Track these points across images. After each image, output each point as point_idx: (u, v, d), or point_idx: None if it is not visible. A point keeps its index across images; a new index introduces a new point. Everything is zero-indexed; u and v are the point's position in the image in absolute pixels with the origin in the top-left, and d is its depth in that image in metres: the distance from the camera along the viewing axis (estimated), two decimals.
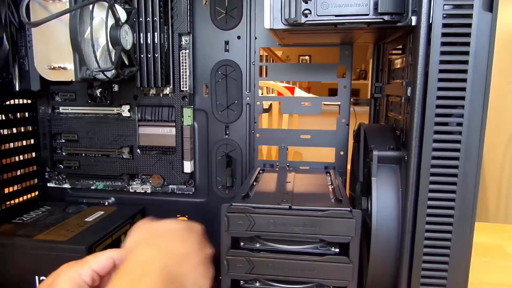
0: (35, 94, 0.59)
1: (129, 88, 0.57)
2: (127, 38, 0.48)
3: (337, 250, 0.39)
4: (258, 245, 0.40)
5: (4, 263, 0.46)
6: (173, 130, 0.58)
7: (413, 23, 0.34)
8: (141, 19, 0.51)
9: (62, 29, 0.43)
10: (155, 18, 0.52)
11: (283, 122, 1.47)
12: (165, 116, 0.58)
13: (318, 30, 0.42)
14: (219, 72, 0.57)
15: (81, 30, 0.43)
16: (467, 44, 0.32)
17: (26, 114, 0.60)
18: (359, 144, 0.51)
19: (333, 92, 0.57)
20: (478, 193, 0.35)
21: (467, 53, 0.33)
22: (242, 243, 0.41)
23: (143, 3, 0.51)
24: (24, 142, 0.60)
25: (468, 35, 0.32)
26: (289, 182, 0.50)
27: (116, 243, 0.50)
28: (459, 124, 0.34)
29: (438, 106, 0.34)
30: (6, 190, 0.56)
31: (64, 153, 0.61)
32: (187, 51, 0.56)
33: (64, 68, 0.44)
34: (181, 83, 0.57)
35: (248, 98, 0.57)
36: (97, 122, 0.59)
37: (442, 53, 0.33)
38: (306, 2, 0.36)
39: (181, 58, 0.56)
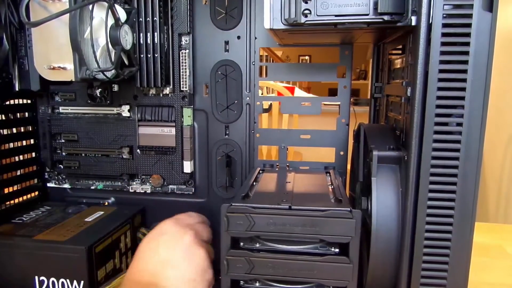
0: (35, 94, 0.59)
1: (129, 88, 0.57)
2: (127, 38, 0.48)
3: (337, 250, 0.39)
4: (258, 245, 0.40)
5: (4, 263, 0.46)
6: (173, 130, 0.58)
7: (413, 23, 0.34)
8: (141, 19, 0.51)
9: (62, 29, 0.43)
10: (155, 18, 0.51)
11: (283, 122, 1.47)
12: (165, 116, 0.58)
13: (318, 30, 0.42)
14: (219, 72, 0.57)
15: (81, 30, 0.43)
16: (467, 44, 0.32)
17: (26, 114, 0.60)
18: (359, 144, 0.50)
19: (333, 92, 0.57)
20: (478, 193, 0.35)
21: (467, 53, 0.32)
22: (242, 243, 0.41)
23: (143, 3, 0.51)
24: (24, 142, 0.60)
25: (468, 35, 0.32)
26: (289, 182, 0.50)
27: (116, 243, 0.50)
28: (459, 124, 0.34)
29: (438, 106, 0.34)
30: (6, 190, 0.56)
31: (64, 153, 0.61)
32: (187, 51, 0.56)
33: (64, 68, 0.44)
34: (181, 83, 0.57)
35: (248, 98, 0.57)
36: (97, 122, 0.59)
37: (442, 53, 0.33)
38: (306, 2, 0.36)
39: (181, 58, 0.56)
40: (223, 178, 0.59)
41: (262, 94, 0.62)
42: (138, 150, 0.59)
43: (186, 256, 0.42)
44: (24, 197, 0.59)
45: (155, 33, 0.52)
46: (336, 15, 0.36)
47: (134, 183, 0.61)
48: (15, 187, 0.58)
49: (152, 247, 0.43)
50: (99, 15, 0.44)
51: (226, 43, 0.56)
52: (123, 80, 0.51)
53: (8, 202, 0.56)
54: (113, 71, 0.46)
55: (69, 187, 0.62)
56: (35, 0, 0.43)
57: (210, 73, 0.57)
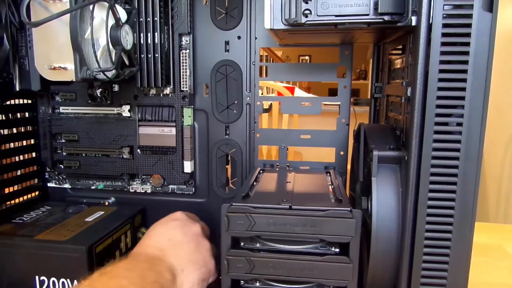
0: (35, 94, 0.59)
1: (129, 88, 0.57)
2: (127, 38, 0.48)
3: (337, 250, 0.39)
4: (258, 245, 0.40)
5: (4, 263, 0.46)
6: (173, 130, 0.58)
7: (413, 23, 0.34)
8: (141, 19, 0.51)
9: (63, 29, 0.43)
10: (156, 18, 0.52)
11: (283, 122, 1.47)
12: (165, 116, 0.58)
13: (318, 30, 0.42)
14: (219, 72, 0.57)
15: (81, 30, 0.43)
16: (467, 44, 0.32)
17: (26, 114, 0.60)
18: (359, 144, 0.51)
19: (333, 92, 0.57)
20: (478, 193, 0.35)
21: (467, 53, 0.33)
22: (242, 243, 0.41)
23: (143, 3, 0.51)
24: (24, 142, 0.60)
25: (468, 35, 0.32)
26: (289, 182, 0.50)
27: (116, 243, 0.51)
28: (459, 124, 0.34)
29: (438, 106, 0.34)
30: (6, 190, 0.56)
31: (64, 153, 0.61)
32: (187, 51, 0.56)
33: (65, 68, 0.44)
34: (181, 83, 0.57)
35: (248, 98, 0.57)
36: (97, 122, 0.59)
37: (442, 53, 0.33)
38: (307, 2, 0.36)
39: (181, 58, 0.56)
40: (223, 178, 0.59)
41: (262, 94, 0.62)
42: (138, 150, 0.59)
43: (194, 241, 0.45)
44: (25, 197, 0.59)
45: (156, 33, 0.52)
46: (336, 15, 0.36)
47: (135, 183, 0.61)
48: (16, 187, 0.58)
49: (163, 229, 0.46)
50: (100, 15, 0.44)
51: (227, 43, 0.56)
52: (123, 80, 0.51)
53: (8, 202, 0.56)
54: (113, 71, 0.46)
55: (70, 187, 0.62)
56: (36, 0, 0.43)
57: (210, 73, 0.57)
